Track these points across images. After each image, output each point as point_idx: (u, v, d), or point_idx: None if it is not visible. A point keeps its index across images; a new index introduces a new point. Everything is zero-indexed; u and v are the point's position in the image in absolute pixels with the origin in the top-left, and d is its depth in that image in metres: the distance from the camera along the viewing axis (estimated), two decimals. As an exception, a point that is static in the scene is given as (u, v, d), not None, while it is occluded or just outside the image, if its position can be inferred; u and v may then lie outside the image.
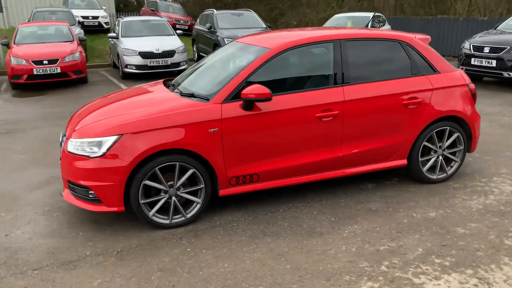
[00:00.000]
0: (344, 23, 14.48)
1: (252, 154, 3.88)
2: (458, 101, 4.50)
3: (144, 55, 11.30)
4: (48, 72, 10.15)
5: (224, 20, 13.20)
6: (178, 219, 3.82)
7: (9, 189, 4.72)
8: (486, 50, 9.56)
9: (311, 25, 19.10)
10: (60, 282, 3.12)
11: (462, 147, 4.62)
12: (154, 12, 21.10)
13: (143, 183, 3.61)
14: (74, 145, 3.68)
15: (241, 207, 4.17)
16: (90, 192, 3.64)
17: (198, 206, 3.85)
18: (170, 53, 11.52)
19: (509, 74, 9.20)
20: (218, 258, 3.36)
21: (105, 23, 18.91)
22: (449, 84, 4.47)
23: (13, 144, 6.28)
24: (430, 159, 4.56)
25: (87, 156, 3.59)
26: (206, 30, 13.38)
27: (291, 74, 4.20)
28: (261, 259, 3.33)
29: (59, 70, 10.22)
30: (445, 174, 4.64)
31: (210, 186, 3.85)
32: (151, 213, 3.72)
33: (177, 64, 11.63)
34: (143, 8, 24.30)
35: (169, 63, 11.47)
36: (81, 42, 11.97)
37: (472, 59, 9.76)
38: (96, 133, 3.63)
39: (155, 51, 11.35)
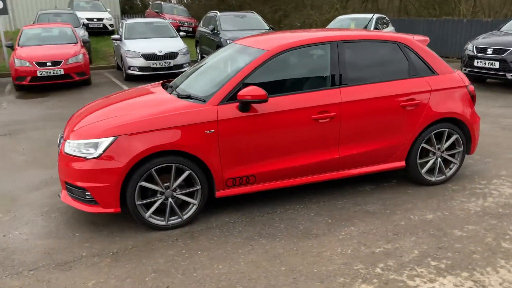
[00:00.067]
0: (347, 25, 14.48)
1: (249, 155, 3.88)
2: (456, 103, 4.48)
3: (147, 57, 11.34)
4: (52, 74, 10.22)
5: (227, 22, 13.22)
6: (174, 220, 3.82)
7: (8, 190, 4.75)
8: (489, 51, 9.51)
9: (315, 27, 19.10)
10: (55, 283, 3.13)
11: (461, 149, 4.60)
12: (159, 14, 21.18)
13: (139, 184, 3.62)
14: (71, 147, 3.70)
15: (238, 209, 4.18)
16: (86, 193, 3.65)
17: (195, 207, 3.85)
18: (173, 55, 11.56)
19: (512, 76, 9.15)
20: (213, 259, 3.36)
21: (110, 25, 18.99)
22: (447, 85, 4.45)
23: (15, 145, 6.33)
24: (428, 161, 4.54)
25: (84, 157, 3.60)
26: (209, 32, 13.41)
27: (288, 76, 4.20)
28: (256, 261, 3.33)
29: (62, 72, 10.29)
30: (444, 176, 4.62)
31: (207, 187, 3.85)
32: (147, 215, 3.72)
33: (180, 66, 11.66)
34: (147, 10, 24.41)
35: (172, 65, 11.50)
36: (85, 44, 12.05)
37: (475, 61, 9.71)
38: (92, 134, 3.65)
39: (158, 53, 11.39)
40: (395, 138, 4.30)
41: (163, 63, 11.44)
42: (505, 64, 9.17)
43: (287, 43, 4.03)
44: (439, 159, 4.55)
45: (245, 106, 3.76)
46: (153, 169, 3.61)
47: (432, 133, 4.42)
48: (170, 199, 3.77)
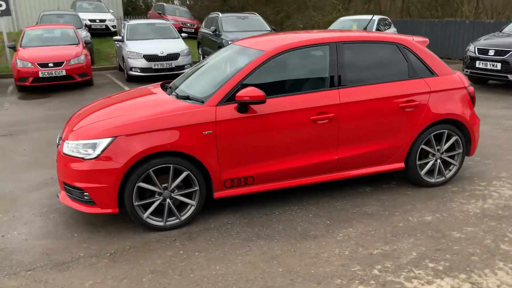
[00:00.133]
0: (350, 26, 14.47)
1: (247, 156, 3.88)
2: (456, 104, 4.46)
3: (149, 58, 11.36)
4: (54, 75, 10.25)
5: (228, 23, 13.23)
6: (172, 221, 3.82)
7: (8, 190, 4.76)
8: (491, 53, 9.48)
9: (317, 28, 19.09)
10: (52, 283, 3.13)
11: (460, 151, 4.58)
12: (161, 15, 21.22)
13: (137, 185, 3.62)
14: (69, 147, 3.71)
15: (237, 210, 4.17)
16: (85, 194, 3.66)
17: (193, 208, 3.85)
18: (174, 56, 11.58)
19: (514, 77, 9.12)
20: (210, 260, 3.36)
21: (112, 26, 19.05)
22: (447, 87, 4.44)
23: (16, 145, 6.35)
24: (428, 162, 4.52)
25: (82, 158, 3.61)
26: (211, 33, 13.42)
27: (287, 77, 4.19)
28: (253, 262, 3.32)
29: (64, 73, 10.32)
30: (443, 178, 4.60)
31: (205, 188, 3.85)
32: (145, 215, 3.73)
33: (182, 67, 11.67)
34: (150, 12, 24.46)
35: (174, 66, 11.52)
36: (87, 45, 12.07)
37: (477, 62, 9.69)
38: (90, 135, 3.65)
39: (159, 54, 11.41)
40: (394, 140, 4.29)
41: (165, 64, 11.46)
42: (507, 66, 9.14)
43: (285, 44, 4.03)
44: (438, 161, 4.54)
45: (244, 107, 3.76)
46: (151, 170, 3.61)
47: (432, 134, 4.41)
48: (168, 200, 3.77)
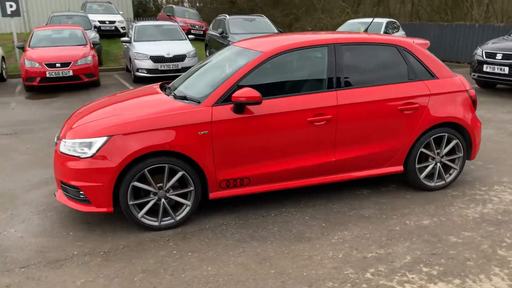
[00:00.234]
0: (357, 29, 14.40)
1: (243, 157, 3.87)
2: (457, 107, 4.41)
3: (155, 59, 11.42)
4: (61, 75, 10.34)
5: (236, 25, 13.25)
6: (167, 221, 3.82)
7: (8, 188, 4.80)
8: (499, 56, 9.37)
9: (325, 30, 19.06)
10: (44, 280, 3.15)
11: (461, 154, 4.53)
12: (170, 17, 21.34)
13: (132, 184, 3.63)
14: (66, 146, 3.73)
15: (232, 211, 4.16)
16: (80, 192, 3.67)
17: (188, 208, 3.85)
18: (181, 58, 11.62)
19: (522, 82, 9.00)
20: (203, 261, 3.35)
21: (122, 27, 19.19)
22: (447, 89, 4.39)
23: (19, 144, 6.40)
24: (427, 166, 4.47)
25: (78, 157, 3.63)
26: (218, 35, 13.46)
27: (284, 78, 4.18)
28: (246, 263, 3.31)
29: (71, 73, 10.40)
30: (443, 182, 4.55)
31: (200, 188, 3.85)
32: (140, 215, 3.73)
33: (188, 69, 11.63)
34: (159, 14, 24.62)
35: (180, 67, 11.55)
36: (95, 46, 12.17)
37: (484, 66, 9.58)
38: (86, 134, 3.67)
39: (166, 55, 11.46)
40: (392, 142, 4.25)
41: (171, 66, 11.50)
42: (515, 70, 9.03)
43: (283, 45, 4.02)
44: (438, 164, 4.48)
45: (240, 107, 3.75)
46: (146, 170, 3.62)
47: (431, 137, 4.36)
48: (163, 200, 3.77)
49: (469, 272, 3.16)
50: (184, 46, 12.14)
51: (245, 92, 3.66)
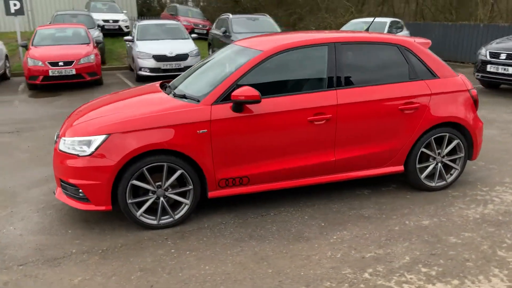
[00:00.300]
0: (361, 28, 14.36)
1: (242, 156, 3.85)
2: (458, 107, 4.38)
3: (158, 58, 11.43)
4: (63, 74, 10.36)
5: (239, 24, 13.24)
6: (166, 220, 3.82)
7: (9, 186, 4.81)
8: (503, 56, 9.32)
9: (329, 30, 18.99)
10: (42, 278, 3.15)
11: (462, 155, 4.49)
12: (174, 16, 21.35)
13: (130, 183, 3.62)
14: (65, 144, 3.73)
15: (231, 210, 4.15)
16: (79, 190, 3.67)
17: (187, 207, 3.84)
18: (183, 57, 11.63)
19: (526, 82, 8.94)
20: (201, 260, 3.34)
21: (126, 26, 19.22)
22: (449, 89, 4.36)
23: (21, 142, 6.42)
24: (428, 166, 4.44)
25: (77, 155, 3.63)
26: (221, 34, 13.45)
27: (284, 77, 4.15)
28: (243, 263, 3.30)
29: (74, 72, 10.42)
30: (444, 182, 4.52)
31: (199, 187, 3.84)
32: (138, 213, 3.73)
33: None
34: (163, 13, 24.64)
35: (182, 66, 11.55)
36: (98, 44, 12.19)
37: (488, 66, 9.52)
38: (85, 132, 3.67)
39: (168, 55, 11.47)
40: (393, 142, 4.23)
41: (174, 65, 11.51)
42: (519, 70, 8.97)
43: (282, 44, 4.01)
44: (439, 164, 4.46)
45: (239, 106, 3.74)
46: (144, 168, 3.61)
47: (432, 137, 4.33)
48: (162, 199, 3.76)
49: (468, 272, 3.13)
50: (186, 45, 12.15)
51: (245, 91, 3.65)
